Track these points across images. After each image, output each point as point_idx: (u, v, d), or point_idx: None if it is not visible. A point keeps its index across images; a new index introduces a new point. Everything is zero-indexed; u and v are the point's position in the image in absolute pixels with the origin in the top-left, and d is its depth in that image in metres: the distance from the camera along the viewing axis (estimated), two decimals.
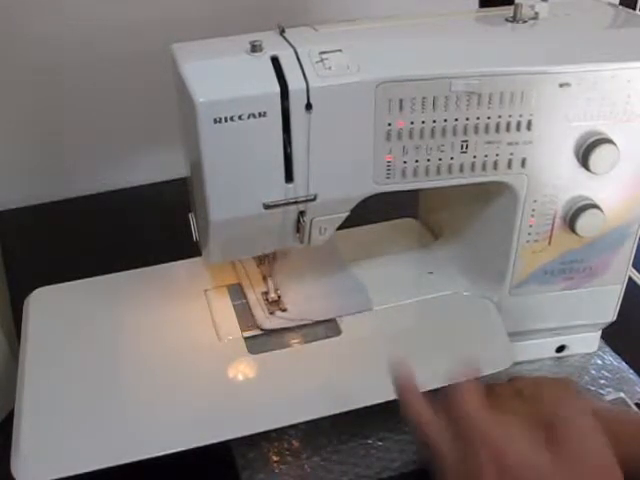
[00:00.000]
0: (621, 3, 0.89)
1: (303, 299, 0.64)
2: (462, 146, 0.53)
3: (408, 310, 0.62)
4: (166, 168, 0.94)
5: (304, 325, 0.61)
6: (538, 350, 0.65)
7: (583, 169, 0.54)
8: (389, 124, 0.51)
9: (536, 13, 0.55)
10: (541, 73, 0.50)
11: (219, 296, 0.65)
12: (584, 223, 0.55)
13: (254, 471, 0.56)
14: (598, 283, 0.60)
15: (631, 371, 0.65)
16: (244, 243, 0.57)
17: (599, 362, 0.66)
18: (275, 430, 0.56)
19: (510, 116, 0.52)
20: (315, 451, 0.57)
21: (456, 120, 0.51)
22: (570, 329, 0.64)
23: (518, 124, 0.52)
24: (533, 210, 0.56)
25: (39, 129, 0.92)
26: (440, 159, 0.53)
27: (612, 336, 0.67)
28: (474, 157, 0.53)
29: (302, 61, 0.49)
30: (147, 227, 0.86)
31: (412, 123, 0.51)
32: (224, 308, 0.63)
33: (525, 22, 0.55)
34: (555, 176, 0.54)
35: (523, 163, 0.54)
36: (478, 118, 0.52)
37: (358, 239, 0.72)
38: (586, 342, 0.66)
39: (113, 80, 0.91)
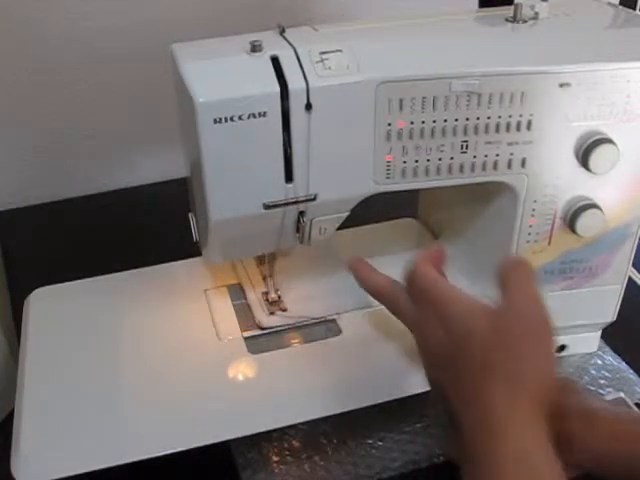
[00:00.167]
0: (621, 3, 0.88)
1: (303, 299, 0.64)
2: (462, 146, 0.53)
3: None
4: (166, 168, 0.94)
5: (304, 325, 0.62)
6: None
7: (583, 169, 0.54)
8: (389, 124, 0.51)
9: (536, 13, 0.55)
10: (541, 73, 0.50)
11: (219, 296, 0.65)
12: (584, 223, 0.55)
13: (254, 471, 0.56)
14: (598, 283, 0.60)
15: (631, 371, 0.65)
16: (244, 243, 0.57)
17: (599, 362, 0.66)
18: (275, 430, 0.56)
19: (510, 116, 0.52)
20: (315, 451, 0.57)
21: (456, 120, 0.51)
22: (570, 329, 0.64)
23: (518, 124, 0.52)
24: (533, 210, 0.56)
25: (39, 129, 0.92)
26: (440, 159, 0.53)
27: (612, 336, 0.67)
28: (474, 157, 0.53)
29: (302, 61, 0.49)
30: (147, 227, 0.86)
31: (412, 123, 0.51)
32: (224, 308, 0.63)
33: (525, 22, 0.55)
34: (555, 176, 0.54)
35: (523, 163, 0.54)
36: (478, 118, 0.52)
37: (358, 239, 0.72)
38: (586, 342, 0.66)
39: (113, 80, 0.91)
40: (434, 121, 0.51)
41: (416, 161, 0.53)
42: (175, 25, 0.81)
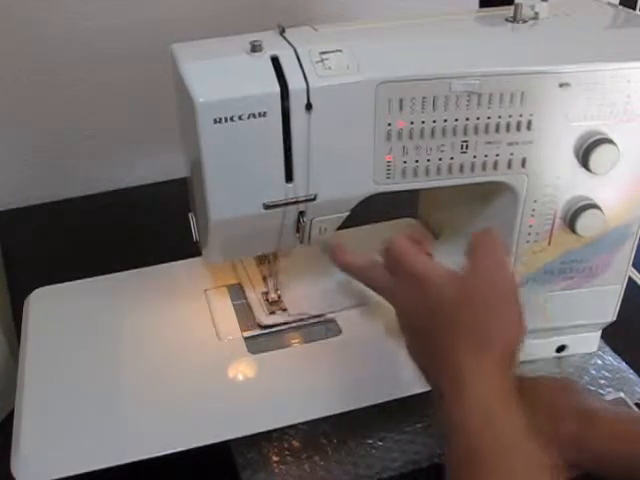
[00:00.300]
0: (621, 3, 0.88)
1: (303, 299, 0.64)
2: (462, 146, 0.53)
3: None
4: (166, 168, 0.94)
5: (304, 325, 0.62)
6: (538, 350, 0.65)
7: (583, 169, 0.54)
8: (389, 124, 0.51)
9: (536, 13, 0.55)
10: (541, 73, 0.50)
11: (219, 296, 0.65)
12: (584, 223, 0.55)
13: (254, 471, 0.56)
14: (598, 283, 0.60)
15: (631, 371, 0.65)
16: (244, 243, 0.57)
17: (599, 362, 0.66)
18: (275, 430, 0.56)
19: (510, 116, 0.52)
20: (315, 451, 0.57)
21: (456, 120, 0.51)
22: (570, 329, 0.64)
23: (518, 124, 0.52)
24: (533, 210, 0.56)
25: (39, 129, 0.92)
26: (440, 159, 0.53)
27: (612, 336, 0.67)
28: (474, 157, 0.53)
29: (302, 61, 0.49)
30: (147, 227, 0.86)
31: (412, 123, 0.51)
32: (224, 308, 0.63)
33: (525, 22, 0.55)
34: (555, 176, 0.54)
35: (523, 163, 0.54)
36: (478, 118, 0.52)
37: (358, 239, 0.72)
38: (586, 342, 0.66)
39: (113, 80, 0.91)
40: (434, 121, 0.51)
41: (416, 161, 0.53)
42: (175, 25, 0.81)
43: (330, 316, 0.62)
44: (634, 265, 0.62)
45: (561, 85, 0.51)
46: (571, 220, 0.56)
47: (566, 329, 0.64)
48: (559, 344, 0.65)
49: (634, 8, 0.92)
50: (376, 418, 0.58)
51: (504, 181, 0.55)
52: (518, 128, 0.52)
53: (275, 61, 0.48)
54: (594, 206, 0.55)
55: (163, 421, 0.53)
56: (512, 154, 0.53)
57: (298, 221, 0.54)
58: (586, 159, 0.53)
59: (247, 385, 0.57)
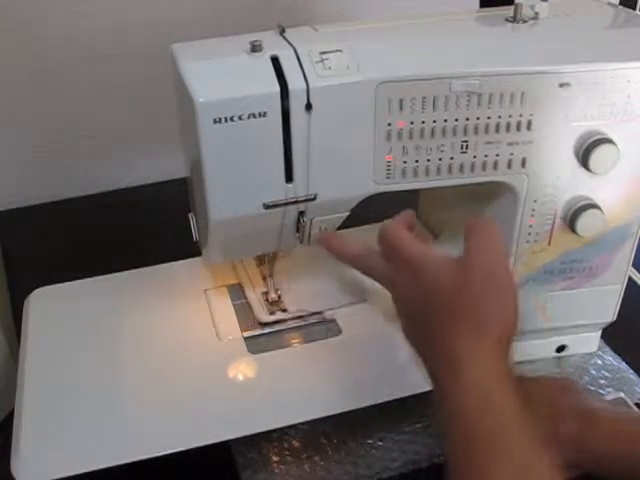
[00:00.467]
0: (621, 3, 0.88)
1: (303, 299, 0.64)
2: (462, 146, 0.53)
3: None
4: (166, 168, 0.94)
5: (304, 325, 0.62)
6: (538, 350, 0.65)
7: (583, 169, 0.54)
8: (389, 124, 0.51)
9: (536, 13, 0.55)
10: (541, 73, 0.50)
11: (219, 296, 0.65)
12: (584, 223, 0.55)
13: (254, 471, 0.56)
14: (598, 283, 0.60)
15: (631, 371, 0.65)
16: (244, 243, 0.57)
17: (599, 362, 0.66)
18: (275, 430, 0.56)
19: (510, 116, 0.52)
20: (315, 451, 0.57)
21: (456, 120, 0.51)
22: (570, 329, 0.64)
23: (518, 124, 0.52)
24: (533, 210, 0.56)
25: (39, 129, 0.92)
26: (440, 159, 0.53)
27: (612, 336, 0.67)
28: (474, 157, 0.53)
29: (302, 61, 0.49)
30: (147, 227, 0.86)
31: (412, 123, 0.51)
32: (224, 308, 0.63)
33: (525, 22, 0.55)
34: (555, 176, 0.54)
35: (523, 163, 0.54)
36: (478, 118, 0.51)
37: (358, 239, 0.72)
38: (586, 342, 0.66)
39: (113, 80, 0.91)
40: (434, 121, 0.51)
41: (416, 161, 0.53)
42: (175, 25, 0.81)
43: (330, 316, 0.62)
44: (634, 265, 0.62)
45: (561, 85, 0.51)
46: (571, 220, 0.56)
47: (566, 329, 0.64)
48: (559, 344, 0.65)
49: (634, 8, 0.92)
50: (376, 418, 0.58)
51: (504, 181, 0.55)
52: (518, 128, 0.52)
53: (275, 61, 0.48)
54: (594, 206, 0.55)
55: (163, 421, 0.53)
56: (512, 154, 0.53)
57: (298, 221, 0.54)
58: (586, 159, 0.53)
59: (247, 385, 0.57)
